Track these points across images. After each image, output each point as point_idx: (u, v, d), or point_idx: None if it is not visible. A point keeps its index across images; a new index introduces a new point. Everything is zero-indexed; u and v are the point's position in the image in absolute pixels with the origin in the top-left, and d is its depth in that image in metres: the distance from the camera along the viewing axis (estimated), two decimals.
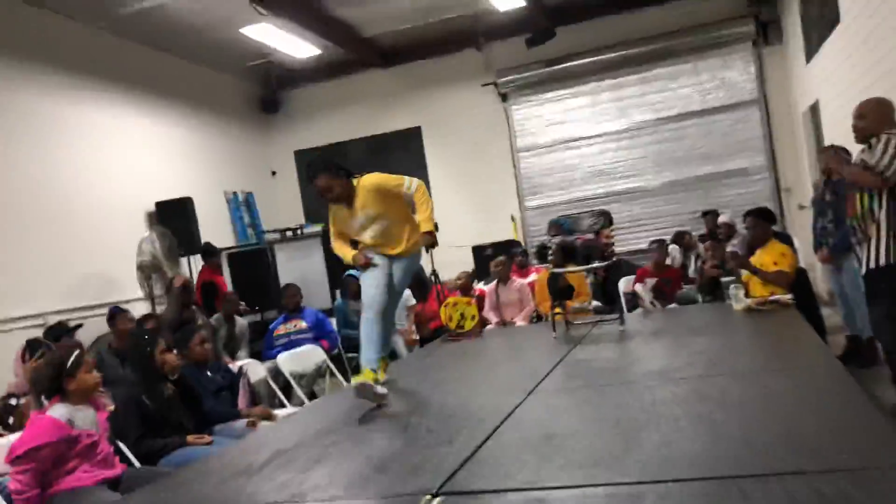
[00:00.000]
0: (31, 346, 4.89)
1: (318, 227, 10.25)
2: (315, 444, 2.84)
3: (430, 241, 3.66)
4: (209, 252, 8.16)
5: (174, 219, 8.29)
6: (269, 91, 11.50)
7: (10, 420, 4.15)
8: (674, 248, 7.91)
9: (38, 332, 6.53)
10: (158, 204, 8.60)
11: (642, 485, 1.88)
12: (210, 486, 2.46)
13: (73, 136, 7.77)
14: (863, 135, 4.00)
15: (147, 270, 7.58)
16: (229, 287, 8.34)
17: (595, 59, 10.24)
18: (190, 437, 3.62)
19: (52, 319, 6.79)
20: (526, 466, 2.18)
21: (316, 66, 10.44)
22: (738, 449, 2.06)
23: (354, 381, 3.37)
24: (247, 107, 11.42)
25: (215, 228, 9.57)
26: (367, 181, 3.67)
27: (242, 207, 10.57)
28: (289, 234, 9.62)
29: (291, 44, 9.13)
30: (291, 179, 11.85)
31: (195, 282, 7.80)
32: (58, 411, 3.16)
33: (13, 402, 4.23)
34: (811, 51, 7.66)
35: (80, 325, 5.89)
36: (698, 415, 2.46)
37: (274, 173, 11.80)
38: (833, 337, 6.36)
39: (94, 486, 3.09)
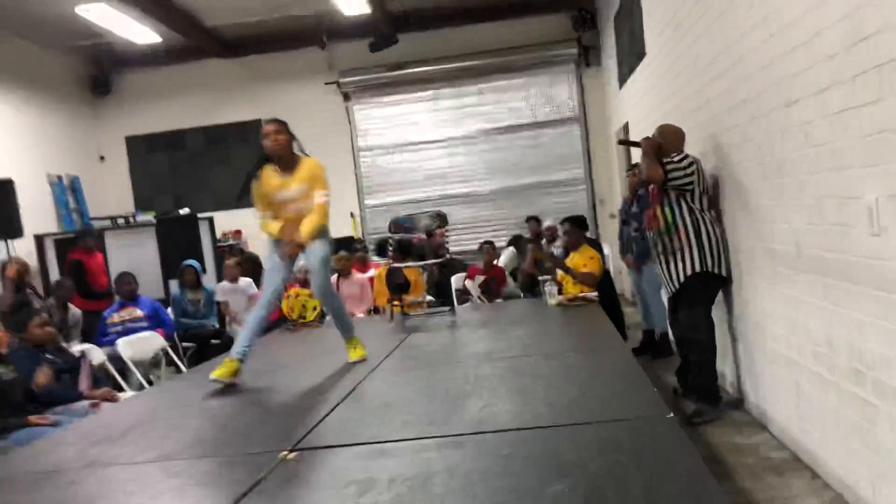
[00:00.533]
0: None
1: (149, 216, 10.00)
2: (171, 415, 3.03)
3: (294, 245, 3.64)
4: (83, 233, 8.12)
5: None
6: (100, 72, 11.02)
7: None
8: (510, 250, 8.60)
9: None
10: None
11: (464, 436, 2.31)
12: (72, 452, 2.60)
13: None
14: (662, 150, 4.53)
15: None
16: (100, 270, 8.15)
17: (435, 67, 10.81)
18: (32, 418, 3.63)
19: None
20: (369, 427, 2.55)
21: (153, 51, 10.13)
22: (541, 408, 2.54)
23: (214, 375, 3.42)
24: (75, 87, 10.86)
25: (38, 212, 9.09)
26: (315, 162, 3.75)
27: (67, 192, 10.06)
28: (120, 221, 9.32)
29: (129, 28, 8.85)
30: (122, 165, 11.41)
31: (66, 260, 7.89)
32: None
33: None
34: (623, 77, 8.63)
35: None
36: (513, 385, 2.94)
37: (102, 158, 11.30)
38: (633, 332, 7.26)
39: None
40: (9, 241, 7.83)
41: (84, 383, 4.35)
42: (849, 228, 2.71)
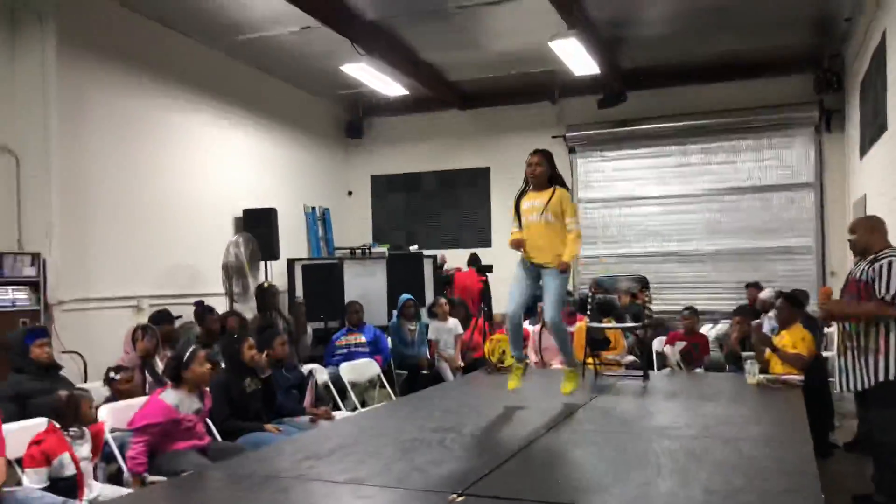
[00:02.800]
0: (142, 329, 5.67)
1: (383, 249, 11.05)
2: (370, 441, 3.55)
3: (564, 267, 4.22)
4: (476, 259, 10.01)
5: (258, 226, 9.19)
6: (355, 118, 12.44)
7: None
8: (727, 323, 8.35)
9: (130, 312, 7.49)
10: (245, 211, 9.52)
11: None
12: (286, 463, 3.19)
13: (178, 142, 8.72)
14: (856, 249, 4.40)
15: (230, 271, 8.46)
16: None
17: (662, 125, 10.83)
18: (267, 427, 4.37)
19: (144, 303, 7.74)
20: (532, 484, 2.83)
21: (400, 100, 11.26)
22: (699, 495, 2.66)
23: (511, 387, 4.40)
24: (333, 130, 12.37)
25: (292, 239, 10.46)
26: (563, 191, 4.33)
27: (318, 222, 11.46)
28: (358, 252, 10.40)
29: (382, 82, 9.98)
30: (365, 201, 12.72)
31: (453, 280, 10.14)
32: (169, 397, 3.97)
33: (113, 375, 4.90)
34: (864, 147, 8.10)
35: (179, 317, 6.77)
36: (679, 465, 3.06)
37: (350, 193, 12.69)
38: (850, 422, 6.74)
39: (188, 449, 3.87)
40: (268, 263, 9.13)
41: (308, 399, 5.08)
42: None
